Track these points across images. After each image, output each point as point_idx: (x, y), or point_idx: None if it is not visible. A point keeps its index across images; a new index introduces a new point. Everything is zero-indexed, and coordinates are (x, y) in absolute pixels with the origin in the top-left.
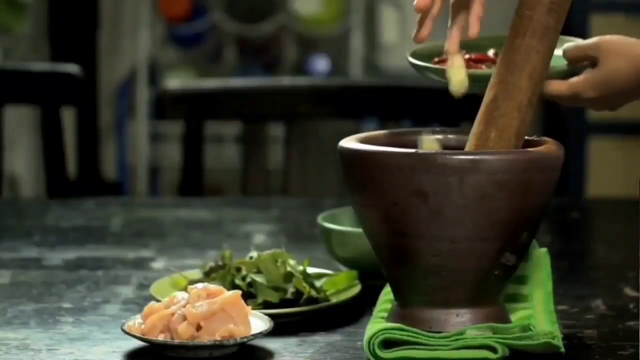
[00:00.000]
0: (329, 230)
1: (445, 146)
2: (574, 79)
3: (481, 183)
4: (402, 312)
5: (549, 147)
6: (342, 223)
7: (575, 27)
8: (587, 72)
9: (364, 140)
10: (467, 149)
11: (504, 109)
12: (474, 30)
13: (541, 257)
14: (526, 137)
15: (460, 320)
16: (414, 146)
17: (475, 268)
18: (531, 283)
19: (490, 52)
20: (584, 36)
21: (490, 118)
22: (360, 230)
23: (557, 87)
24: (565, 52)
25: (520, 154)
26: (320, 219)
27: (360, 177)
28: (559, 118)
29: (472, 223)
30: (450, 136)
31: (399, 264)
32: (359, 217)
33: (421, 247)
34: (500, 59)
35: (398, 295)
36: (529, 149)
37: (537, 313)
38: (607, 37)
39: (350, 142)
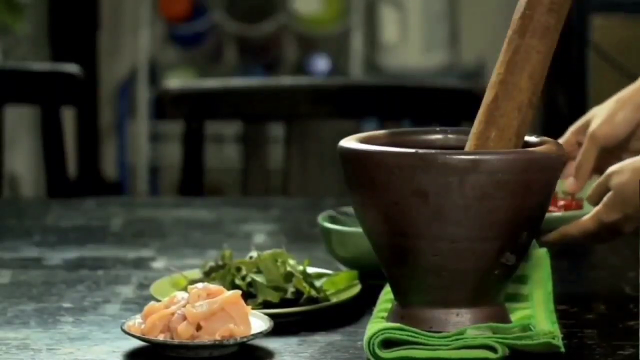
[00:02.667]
0: (329, 230)
1: (445, 146)
2: (593, 211)
3: (481, 183)
4: (402, 312)
5: (549, 147)
6: (342, 223)
7: (575, 27)
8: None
9: (364, 140)
10: (467, 149)
11: (504, 109)
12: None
13: (541, 257)
14: (526, 137)
15: (460, 320)
16: (414, 146)
17: (476, 268)
18: (531, 283)
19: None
20: (584, 36)
21: (491, 118)
22: (360, 230)
23: (582, 225)
24: (588, 199)
25: (520, 153)
26: (320, 219)
27: (360, 177)
28: (559, 118)
29: (473, 223)
30: (450, 136)
31: (399, 264)
32: (359, 216)
33: (421, 247)
34: (500, 59)
35: (398, 295)
36: (530, 149)
37: (537, 313)
38: (616, 165)
39: (350, 142)
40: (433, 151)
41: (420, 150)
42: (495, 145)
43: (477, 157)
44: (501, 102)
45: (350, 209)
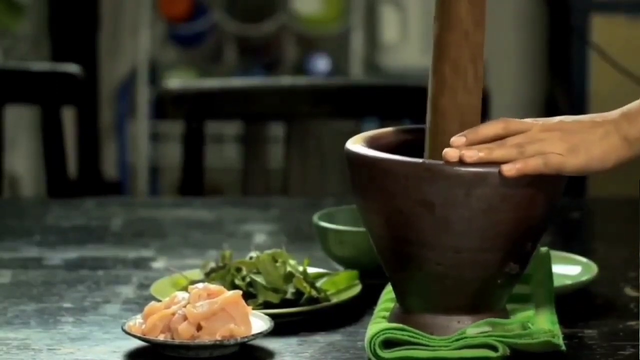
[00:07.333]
0: (325, 229)
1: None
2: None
3: (487, 195)
4: (403, 317)
5: None
6: (338, 222)
7: (575, 27)
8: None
9: (371, 140)
10: (429, 86)
11: (450, 40)
12: None
13: (542, 257)
14: None
15: (461, 326)
16: (422, 144)
17: (479, 277)
18: (533, 283)
19: None
20: (584, 36)
21: (441, 52)
22: (357, 228)
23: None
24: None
25: None
26: (315, 218)
27: (367, 182)
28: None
29: (477, 234)
30: None
31: (402, 270)
32: (364, 220)
33: (425, 255)
34: None
35: (400, 300)
36: None
37: (538, 313)
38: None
39: (357, 145)
40: (440, 162)
41: (427, 161)
42: (453, 79)
43: (484, 170)
44: (446, 34)
45: (344, 208)
